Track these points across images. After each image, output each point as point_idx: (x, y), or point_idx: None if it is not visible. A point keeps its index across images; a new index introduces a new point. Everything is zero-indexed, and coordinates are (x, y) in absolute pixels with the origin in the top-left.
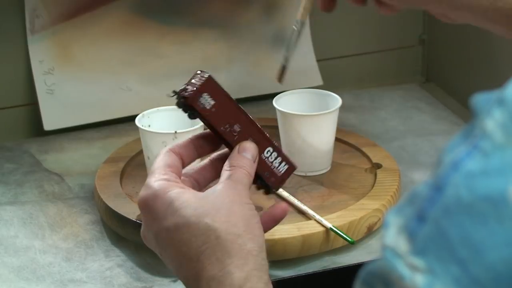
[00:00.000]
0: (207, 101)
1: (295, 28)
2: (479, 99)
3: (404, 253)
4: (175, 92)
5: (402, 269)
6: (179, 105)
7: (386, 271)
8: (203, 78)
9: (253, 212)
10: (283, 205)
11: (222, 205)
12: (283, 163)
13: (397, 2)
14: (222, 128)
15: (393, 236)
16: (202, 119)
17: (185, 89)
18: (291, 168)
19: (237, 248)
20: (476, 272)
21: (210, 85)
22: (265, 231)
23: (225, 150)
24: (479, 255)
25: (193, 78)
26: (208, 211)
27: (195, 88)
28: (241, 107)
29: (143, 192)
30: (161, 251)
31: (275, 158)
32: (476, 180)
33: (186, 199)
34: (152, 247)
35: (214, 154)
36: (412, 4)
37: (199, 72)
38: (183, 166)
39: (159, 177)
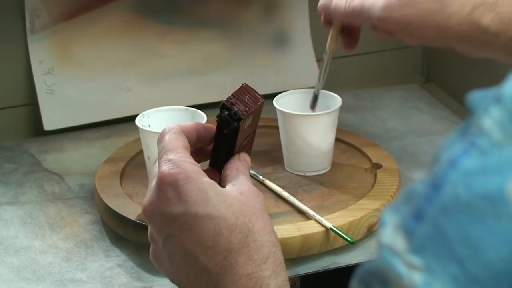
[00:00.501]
0: (248, 121)
1: (325, 59)
2: (476, 97)
3: (402, 251)
4: (224, 106)
5: (400, 267)
6: (225, 116)
7: (383, 269)
8: (258, 102)
9: None
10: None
11: (255, 210)
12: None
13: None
14: (239, 142)
15: (390, 234)
16: (232, 132)
17: (233, 104)
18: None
19: (272, 257)
20: (474, 270)
21: (258, 109)
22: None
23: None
24: (477, 253)
25: (245, 94)
26: (244, 211)
27: (250, 111)
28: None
29: (171, 169)
30: (172, 233)
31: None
32: (473, 178)
33: (219, 192)
34: (156, 225)
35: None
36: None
37: (248, 87)
38: None
39: (187, 159)
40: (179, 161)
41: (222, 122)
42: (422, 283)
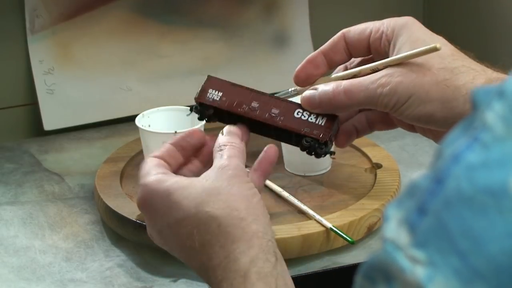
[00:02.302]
0: (215, 94)
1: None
2: (479, 92)
3: (405, 245)
4: (191, 108)
5: (403, 261)
6: (196, 112)
7: (386, 263)
8: (205, 80)
9: (253, 191)
10: (271, 146)
11: (220, 190)
12: (320, 117)
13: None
14: (240, 109)
15: (394, 229)
16: (219, 112)
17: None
18: (331, 117)
19: (240, 232)
20: (477, 263)
21: (212, 82)
22: (264, 180)
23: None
24: (480, 247)
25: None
26: (206, 200)
27: (199, 89)
28: (250, 87)
29: (139, 193)
30: (169, 247)
31: (309, 115)
32: (476, 172)
33: (182, 190)
34: (161, 245)
35: (178, 137)
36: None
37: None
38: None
39: (153, 173)
40: (144, 181)
41: (199, 117)
42: (425, 276)
